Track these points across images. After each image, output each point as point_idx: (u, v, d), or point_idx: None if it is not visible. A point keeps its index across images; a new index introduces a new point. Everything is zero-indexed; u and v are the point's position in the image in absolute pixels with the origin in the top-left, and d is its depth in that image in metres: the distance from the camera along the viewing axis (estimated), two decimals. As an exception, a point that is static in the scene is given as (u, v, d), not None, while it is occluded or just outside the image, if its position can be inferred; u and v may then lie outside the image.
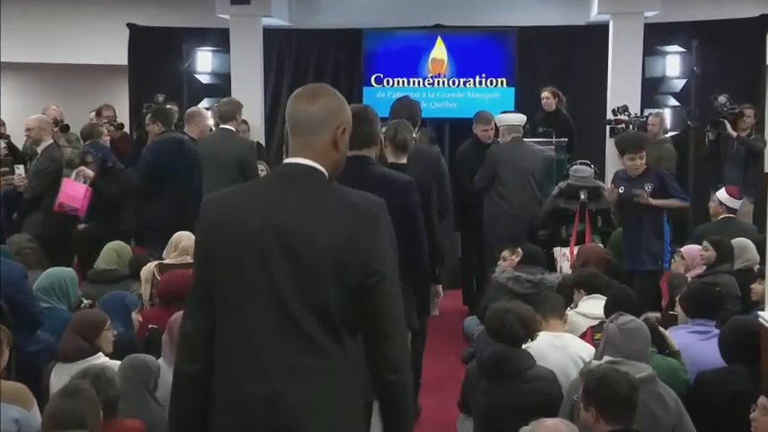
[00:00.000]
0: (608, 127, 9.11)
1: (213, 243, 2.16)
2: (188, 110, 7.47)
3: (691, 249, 5.88)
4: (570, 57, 10.35)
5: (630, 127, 8.50)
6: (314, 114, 2.19)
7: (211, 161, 6.44)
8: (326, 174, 2.19)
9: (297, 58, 10.75)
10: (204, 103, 9.83)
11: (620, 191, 6.04)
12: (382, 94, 9.94)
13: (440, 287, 4.61)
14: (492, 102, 9.73)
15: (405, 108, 5.19)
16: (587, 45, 10.20)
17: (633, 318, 3.70)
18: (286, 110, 2.26)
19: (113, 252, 5.59)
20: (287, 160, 2.23)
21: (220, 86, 10.09)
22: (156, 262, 5.30)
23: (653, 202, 5.87)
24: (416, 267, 3.84)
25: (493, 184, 6.94)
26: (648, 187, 5.90)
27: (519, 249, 6.11)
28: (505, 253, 6.16)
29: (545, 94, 8.75)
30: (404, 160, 4.55)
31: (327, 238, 2.07)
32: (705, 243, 5.64)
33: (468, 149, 7.48)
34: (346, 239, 2.08)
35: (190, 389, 2.20)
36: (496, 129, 7.31)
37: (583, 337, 4.52)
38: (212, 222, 2.18)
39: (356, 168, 3.38)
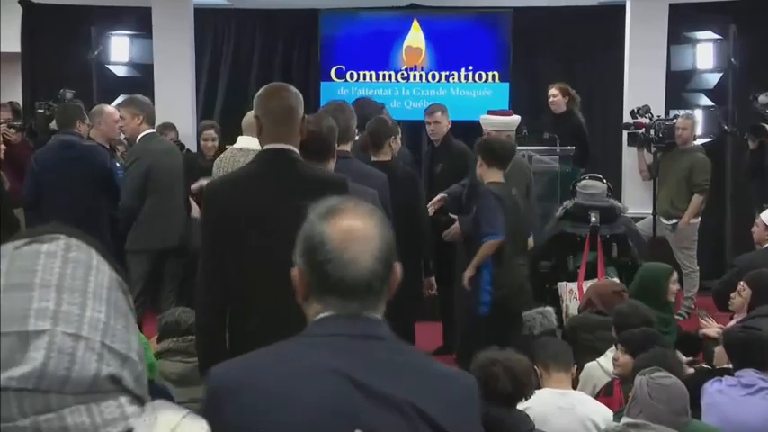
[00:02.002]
0: (625, 132, 9.15)
1: (222, 223, 3.42)
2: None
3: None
4: (578, 46, 10.41)
5: (652, 132, 8.55)
6: (290, 106, 3.50)
7: (166, 177, 6.59)
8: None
9: (237, 46, 10.74)
10: (120, 101, 9.73)
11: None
12: (345, 90, 9.92)
13: (432, 279, 6.03)
14: (482, 100, 9.74)
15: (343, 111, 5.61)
16: (599, 31, 10.28)
17: (669, 374, 3.69)
18: (262, 102, 3.52)
19: None
20: (274, 146, 3.49)
21: (140, 80, 9.99)
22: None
23: (470, 271, 5.84)
24: None
25: None
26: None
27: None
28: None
29: (552, 91, 8.79)
30: (387, 157, 5.63)
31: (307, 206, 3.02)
32: (742, 282, 5.67)
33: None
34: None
35: (209, 339, 3.54)
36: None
37: (607, 395, 4.50)
38: (220, 205, 3.48)
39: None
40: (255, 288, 3.43)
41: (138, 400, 1.50)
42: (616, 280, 6.52)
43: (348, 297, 1.88)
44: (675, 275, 6.11)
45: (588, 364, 4.90)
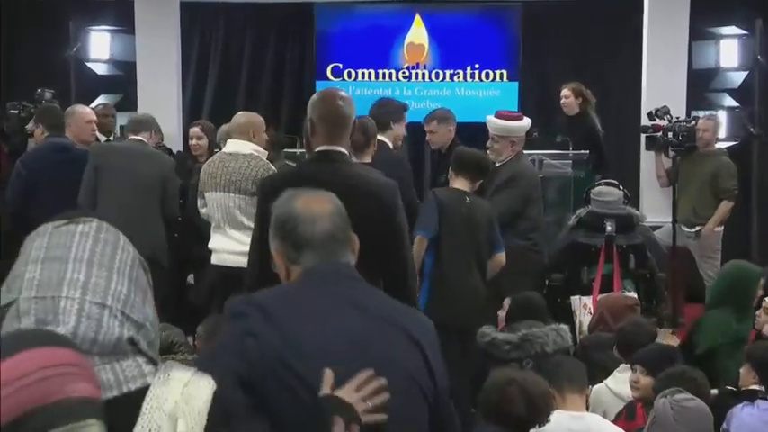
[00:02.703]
0: (643, 135, 9.12)
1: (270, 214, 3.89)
2: None
3: None
4: (593, 42, 10.42)
5: (670, 135, 8.52)
6: (345, 113, 3.93)
7: (125, 178, 6.55)
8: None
9: (226, 42, 10.77)
10: (100, 101, 9.72)
11: None
12: (342, 90, 9.87)
13: None
14: (489, 100, 9.74)
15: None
16: (616, 26, 10.29)
17: (692, 396, 3.69)
18: (316, 106, 3.92)
19: None
20: (326, 148, 3.91)
21: (122, 79, 10.03)
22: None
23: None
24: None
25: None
26: None
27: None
28: (507, 301, 6.10)
29: (564, 92, 8.77)
30: (368, 159, 5.86)
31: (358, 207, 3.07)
32: (773, 291, 5.64)
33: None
34: (371, 209, 3.58)
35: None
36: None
37: (630, 419, 4.48)
38: (270, 199, 3.67)
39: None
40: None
41: (152, 362, 1.88)
42: (633, 294, 6.49)
43: (321, 248, 2.54)
44: (763, 280, 5.65)
45: (596, 387, 4.85)
